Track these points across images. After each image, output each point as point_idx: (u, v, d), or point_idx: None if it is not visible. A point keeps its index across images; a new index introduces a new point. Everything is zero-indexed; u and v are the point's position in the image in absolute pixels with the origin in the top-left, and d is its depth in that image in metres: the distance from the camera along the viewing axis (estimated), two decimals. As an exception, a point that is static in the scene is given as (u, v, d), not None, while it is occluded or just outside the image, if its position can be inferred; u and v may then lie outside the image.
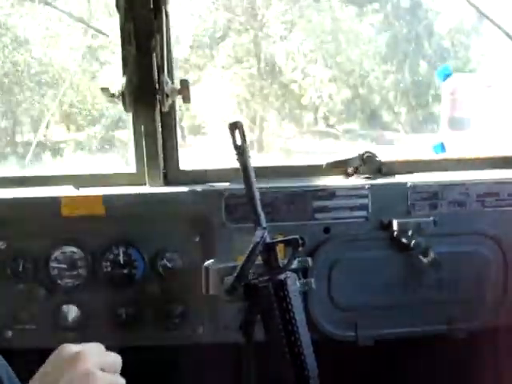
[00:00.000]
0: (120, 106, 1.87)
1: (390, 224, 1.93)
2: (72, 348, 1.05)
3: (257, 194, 1.64)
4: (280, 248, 1.62)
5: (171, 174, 2.06)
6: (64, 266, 1.93)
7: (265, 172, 2.01)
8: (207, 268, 1.82)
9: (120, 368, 1.11)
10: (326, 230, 1.94)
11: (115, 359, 1.11)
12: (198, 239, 1.95)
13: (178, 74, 2.03)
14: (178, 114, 2.05)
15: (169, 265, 1.94)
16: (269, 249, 1.58)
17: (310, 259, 1.75)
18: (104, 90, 1.89)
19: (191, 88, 1.88)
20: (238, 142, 1.66)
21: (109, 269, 1.94)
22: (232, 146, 1.68)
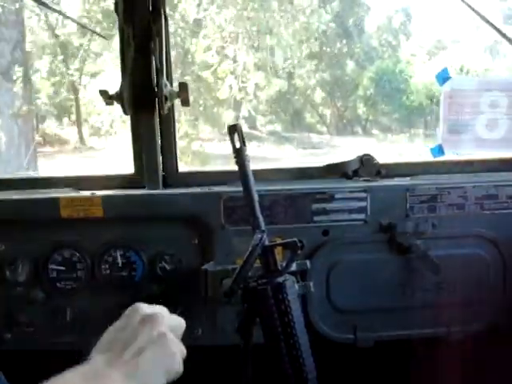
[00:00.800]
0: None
1: (389, 227, 1.93)
2: (145, 309, 1.11)
3: (255, 197, 1.64)
4: (278, 251, 1.62)
5: (170, 177, 2.06)
6: (63, 268, 1.93)
7: (263, 174, 2.01)
8: (206, 270, 1.82)
9: (183, 331, 1.17)
10: (325, 232, 1.94)
11: (180, 322, 1.17)
12: (196, 242, 1.95)
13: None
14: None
15: (167, 267, 1.94)
16: (267, 252, 1.58)
17: (308, 262, 1.75)
18: (102, 92, 1.89)
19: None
20: (237, 145, 1.66)
21: (108, 271, 1.94)
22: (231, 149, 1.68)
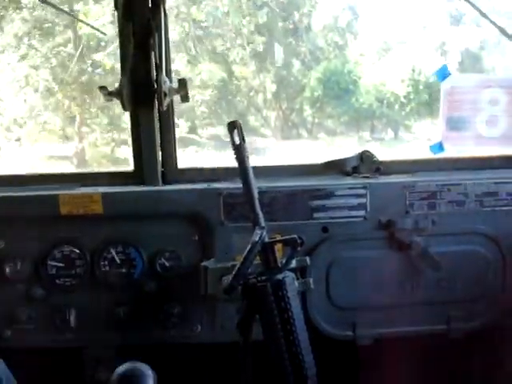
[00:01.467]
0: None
1: (389, 223, 1.93)
2: None
3: (255, 194, 1.64)
4: (278, 247, 1.63)
5: (169, 173, 2.05)
6: (62, 265, 1.93)
7: (263, 171, 2.00)
8: (205, 267, 1.82)
9: None
10: (325, 229, 1.94)
11: None
12: (196, 238, 1.95)
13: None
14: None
15: (167, 264, 1.94)
16: (267, 248, 1.58)
17: (308, 258, 1.75)
18: (102, 88, 1.88)
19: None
20: (237, 141, 1.66)
21: (107, 268, 1.94)
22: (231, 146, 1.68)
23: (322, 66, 8.45)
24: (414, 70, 7.88)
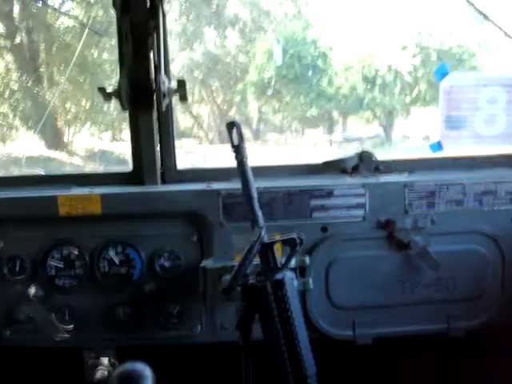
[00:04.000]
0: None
1: (388, 223, 1.93)
2: None
3: (254, 194, 1.64)
4: (278, 247, 1.63)
5: (168, 174, 2.05)
6: (61, 265, 1.93)
7: (262, 171, 2.00)
8: (205, 267, 1.82)
9: None
10: (324, 229, 1.94)
11: None
12: (195, 238, 1.95)
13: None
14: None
15: (166, 264, 1.94)
16: (266, 248, 1.58)
17: (307, 258, 1.76)
18: (101, 89, 1.88)
19: None
20: (236, 142, 1.66)
21: (106, 268, 1.94)
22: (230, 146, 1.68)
23: (274, 34, 5.75)
24: (420, 34, 5.47)
